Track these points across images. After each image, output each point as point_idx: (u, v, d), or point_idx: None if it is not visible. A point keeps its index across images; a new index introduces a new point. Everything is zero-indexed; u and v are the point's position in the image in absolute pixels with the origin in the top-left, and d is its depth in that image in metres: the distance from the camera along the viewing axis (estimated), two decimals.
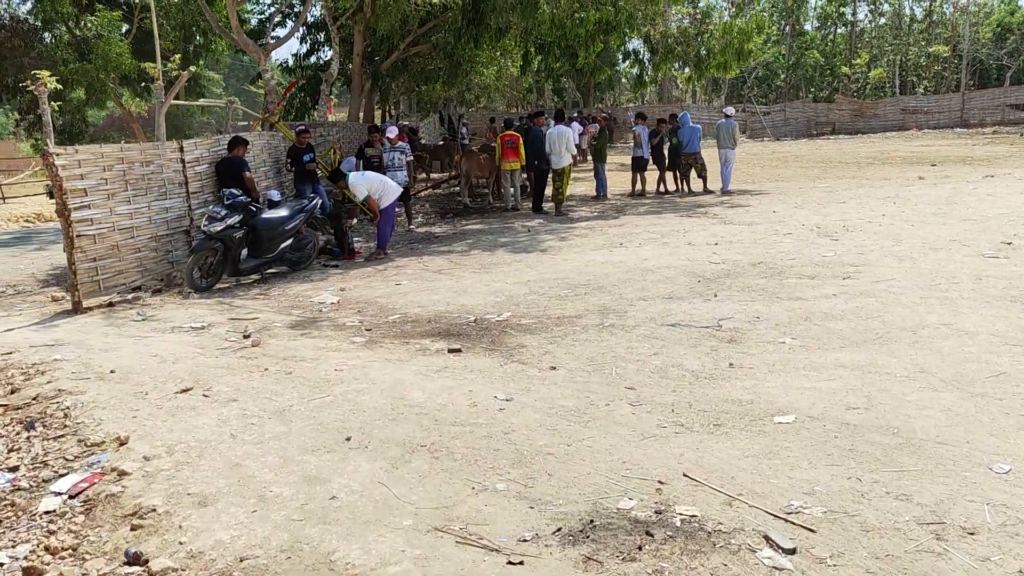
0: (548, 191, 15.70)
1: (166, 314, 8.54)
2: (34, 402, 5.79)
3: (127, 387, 5.94)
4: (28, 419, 5.43)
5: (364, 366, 6.28)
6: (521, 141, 16.25)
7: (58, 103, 21.82)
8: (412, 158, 13.83)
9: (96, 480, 4.51)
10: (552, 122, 15.49)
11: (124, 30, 25.42)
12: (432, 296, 8.72)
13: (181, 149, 10.37)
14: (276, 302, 9.02)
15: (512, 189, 16.47)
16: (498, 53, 22.56)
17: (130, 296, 9.62)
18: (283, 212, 10.58)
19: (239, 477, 4.39)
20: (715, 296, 8.10)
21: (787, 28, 54.34)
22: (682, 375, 5.89)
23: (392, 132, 13.62)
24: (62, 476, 4.62)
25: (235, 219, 9.88)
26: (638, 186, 17.76)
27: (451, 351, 6.61)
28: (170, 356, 6.72)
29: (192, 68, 10.41)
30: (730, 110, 18.98)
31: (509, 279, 9.41)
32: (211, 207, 10.01)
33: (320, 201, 11.06)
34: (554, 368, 6.11)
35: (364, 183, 11.24)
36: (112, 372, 6.28)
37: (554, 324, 7.34)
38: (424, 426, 5.03)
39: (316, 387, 5.80)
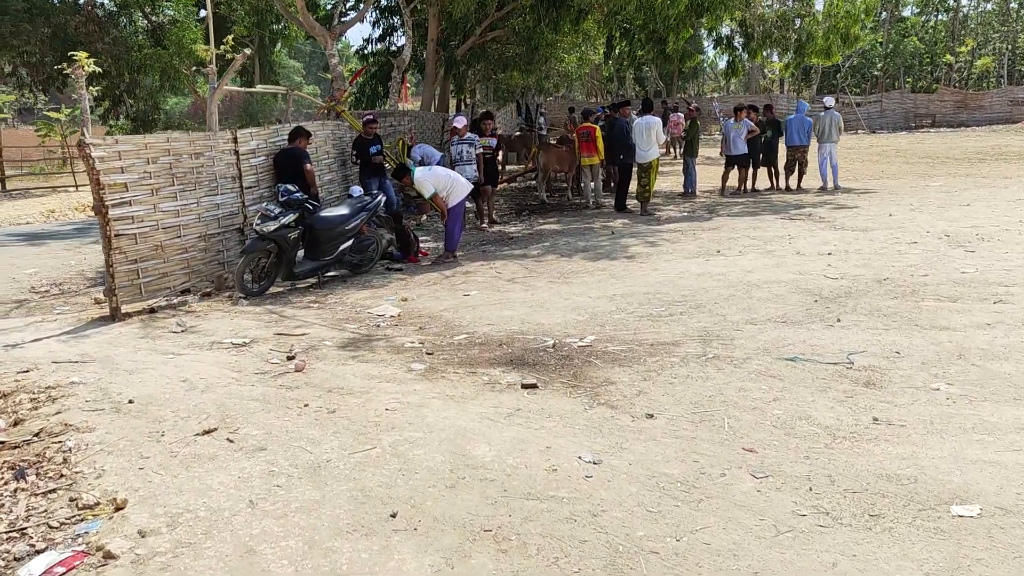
0: (633, 187, 14.42)
1: (209, 324, 7.68)
2: (36, 439, 4.94)
3: (143, 423, 5.03)
4: (20, 465, 4.54)
5: (421, 405, 5.22)
6: (599, 133, 15.02)
7: (131, 90, 21.60)
8: (481, 150, 12.62)
9: (76, 563, 3.57)
10: (635, 113, 14.28)
11: (200, 16, 25.12)
12: (504, 311, 7.63)
13: (235, 140, 9.52)
14: (330, 312, 8.07)
15: (592, 185, 15.25)
16: (579, 39, 21.30)
17: (176, 300, 8.82)
18: (343, 210, 9.64)
19: (249, 572, 3.37)
20: (838, 321, 6.79)
21: (884, 14, 51.25)
22: (814, 433, 4.67)
23: (460, 122, 12.63)
24: (39, 552, 3.69)
25: (290, 218, 8.98)
26: (731, 183, 16.32)
27: (525, 387, 5.50)
28: (200, 382, 5.80)
29: (247, 51, 9.53)
30: (830, 100, 17.35)
31: (592, 292, 8.25)
32: (264, 204, 9.13)
33: (384, 198, 10.08)
34: (651, 416, 4.96)
35: (431, 179, 10.23)
36: (130, 402, 5.39)
37: (647, 353, 6.16)
38: (490, 499, 3.94)
39: (361, 434, 4.77)
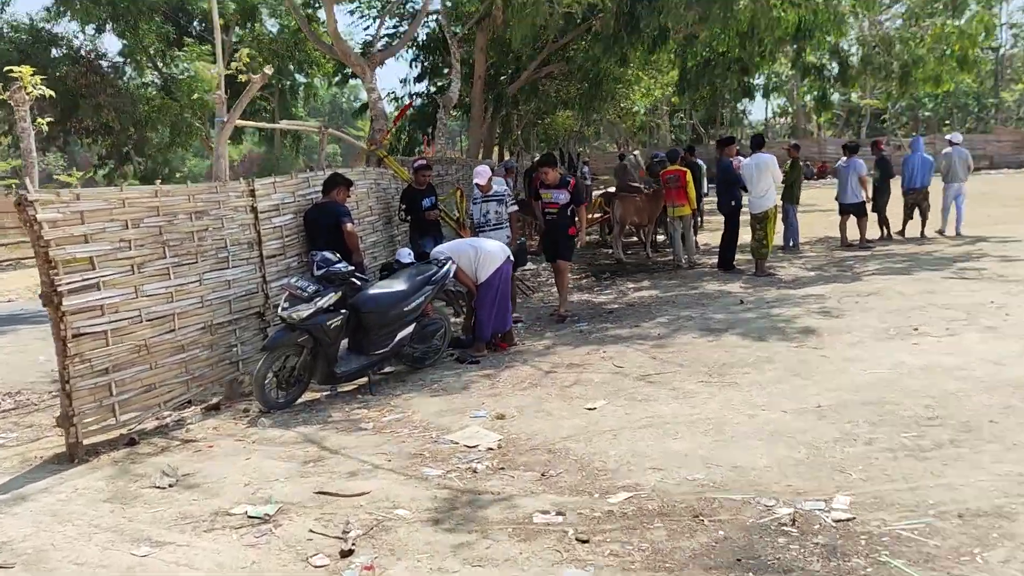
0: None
1: (213, 468, 5.01)
2: None
3: None
4: None
5: None
6: (690, 178, 12.47)
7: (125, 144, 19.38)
8: (515, 207, 9.59)
9: None
10: (729, 153, 11.74)
11: (215, 70, 23.10)
12: (667, 441, 4.91)
13: (252, 193, 7.00)
14: (393, 440, 5.39)
15: (684, 241, 12.60)
16: (646, 74, 18.94)
17: (169, 418, 6.20)
18: (400, 285, 7.03)
19: None
20: None
21: None
22: None
23: (481, 176, 9.12)
24: None
25: (329, 299, 6.39)
26: (850, 234, 13.60)
27: None
28: None
29: (267, 70, 7.06)
30: (957, 136, 14.86)
31: (781, 401, 5.52)
32: (293, 279, 6.54)
33: (454, 266, 7.45)
34: None
35: (446, 251, 7.67)
36: None
37: (968, 537, 3.44)
38: None
39: None
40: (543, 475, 4.56)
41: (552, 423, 5.46)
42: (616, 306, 9.64)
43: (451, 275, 7.41)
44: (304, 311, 6.24)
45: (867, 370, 6.01)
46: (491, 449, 5.07)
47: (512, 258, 7.94)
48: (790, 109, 45.07)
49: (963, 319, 7.42)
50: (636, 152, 27.96)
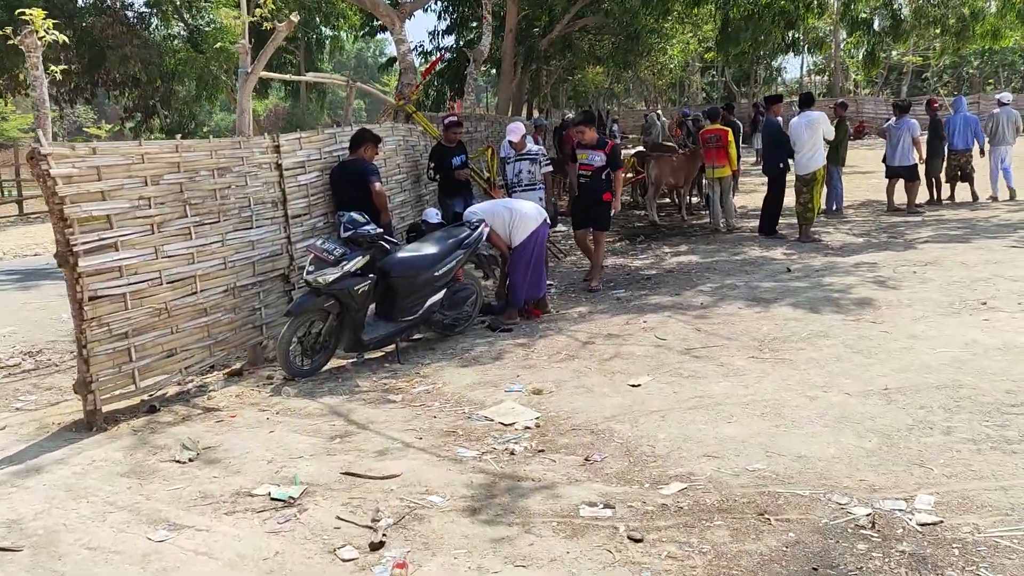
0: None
1: (235, 440, 4.73)
2: None
3: None
4: None
5: None
6: (731, 138, 11.92)
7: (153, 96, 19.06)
8: (550, 167, 9.13)
9: None
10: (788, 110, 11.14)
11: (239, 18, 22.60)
12: (720, 425, 4.54)
13: (277, 149, 6.63)
14: (425, 416, 5.07)
15: (723, 203, 12.09)
16: (686, 28, 18.17)
17: (192, 384, 5.93)
18: (431, 248, 6.66)
19: None
20: None
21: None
22: None
23: (515, 132, 8.64)
24: None
25: (357, 262, 6.05)
26: (897, 199, 13.01)
27: None
28: None
29: (293, 18, 6.63)
30: (1008, 96, 14.09)
31: (843, 382, 5.12)
32: (319, 242, 6.20)
33: (488, 228, 7.06)
34: None
35: (479, 212, 7.25)
36: None
37: None
38: None
39: None
40: (587, 460, 4.22)
41: (593, 400, 5.11)
42: (654, 272, 9.22)
43: (484, 238, 7.02)
44: (330, 275, 5.91)
45: (936, 349, 5.57)
46: (528, 428, 4.74)
47: (548, 221, 7.53)
48: (828, 67, 43.64)
49: None
50: (658, 111, 27.04)
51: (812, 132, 10.24)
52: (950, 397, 4.72)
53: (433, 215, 8.36)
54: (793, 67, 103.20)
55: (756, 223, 11.75)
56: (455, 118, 9.44)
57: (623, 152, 18.70)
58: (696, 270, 9.07)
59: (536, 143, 11.23)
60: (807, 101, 10.73)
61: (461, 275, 6.97)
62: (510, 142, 8.77)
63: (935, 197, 13.63)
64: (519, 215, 7.23)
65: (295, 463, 4.34)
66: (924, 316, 6.43)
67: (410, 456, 4.39)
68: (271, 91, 43.23)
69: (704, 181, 13.35)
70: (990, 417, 4.41)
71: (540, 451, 4.40)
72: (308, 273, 5.96)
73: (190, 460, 4.46)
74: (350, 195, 7.05)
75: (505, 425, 4.81)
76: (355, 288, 6.05)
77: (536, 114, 22.73)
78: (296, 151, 6.89)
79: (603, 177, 8.29)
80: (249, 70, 6.40)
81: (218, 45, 16.73)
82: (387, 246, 6.31)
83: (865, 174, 18.77)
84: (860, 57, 19.30)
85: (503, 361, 6.16)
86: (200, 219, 5.81)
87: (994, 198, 13.47)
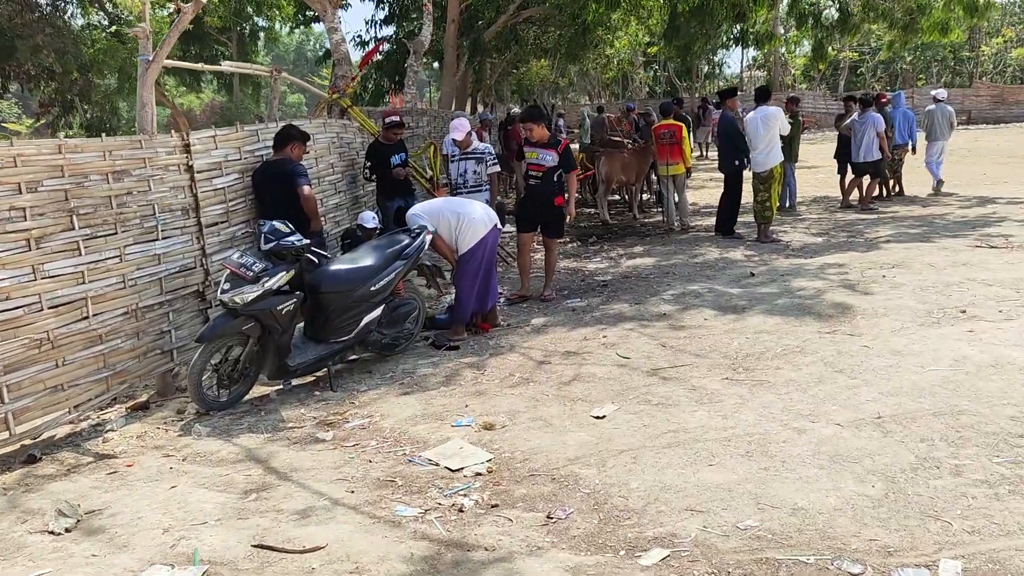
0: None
1: (128, 501, 3.96)
2: None
3: None
4: None
5: None
6: (686, 134, 11.45)
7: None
8: (497, 167, 8.40)
9: None
10: (720, 108, 10.65)
11: (171, 9, 21.34)
12: (700, 468, 3.93)
13: (186, 148, 5.82)
14: (358, 460, 4.36)
15: (680, 201, 11.59)
16: (632, 19, 17.63)
17: (85, 422, 5.12)
18: (367, 259, 5.93)
19: None
20: None
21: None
22: None
23: (459, 129, 7.90)
24: None
25: (280, 278, 5.30)
26: (853, 195, 12.77)
27: None
28: None
29: None
30: (942, 92, 14.36)
31: (827, 405, 4.58)
32: (236, 255, 5.42)
33: (430, 236, 6.35)
34: None
35: (425, 213, 6.57)
36: None
37: None
38: None
39: None
40: (549, 518, 3.57)
41: (553, 437, 4.47)
42: (610, 277, 8.62)
43: (427, 246, 6.32)
44: (249, 294, 5.15)
45: (925, 367, 5.07)
46: (480, 474, 4.08)
47: (500, 225, 6.87)
48: (768, 61, 43.82)
49: (1015, 298, 6.51)
50: (585, 108, 26.31)
51: (768, 128, 9.77)
52: (951, 427, 4.20)
53: (370, 219, 7.64)
54: (734, 61, 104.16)
55: (710, 221, 11.30)
56: (396, 118, 8.71)
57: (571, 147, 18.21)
58: (655, 275, 8.51)
59: (481, 139, 10.56)
60: (763, 95, 10.26)
61: (401, 288, 6.26)
62: (453, 140, 8.08)
63: (885, 193, 13.49)
64: (467, 219, 6.54)
65: (197, 532, 3.59)
66: (904, 327, 5.95)
67: (339, 518, 3.68)
68: (206, 84, 41.61)
69: (655, 178, 12.88)
70: (1000, 452, 3.89)
71: (493, 506, 3.73)
72: (223, 292, 5.19)
73: (67, 530, 3.67)
74: (275, 200, 6.29)
75: (452, 471, 4.14)
76: (278, 308, 5.30)
77: (481, 108, 22.02)
78: (210, 151, 6.08)
79: (555, 179, 7.58)
80: (150, 57, 5.59)
81: (113, 28, 15.64)
82: (315, 259, 5.57)
83: (811, 168, 18.58)
84: (808, 51, 19.10)
85: (449, 387, 5.48)
86: (92, 231, 4.98)
87: (940, 182, 13.75)
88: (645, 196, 14.55)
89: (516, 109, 18.01)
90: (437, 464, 4.23)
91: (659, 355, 5.77)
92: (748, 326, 6.29)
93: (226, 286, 5.19)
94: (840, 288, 7.27)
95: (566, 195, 7.60)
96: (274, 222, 5.46)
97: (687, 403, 4.80)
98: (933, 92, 14.62)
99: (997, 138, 27.15)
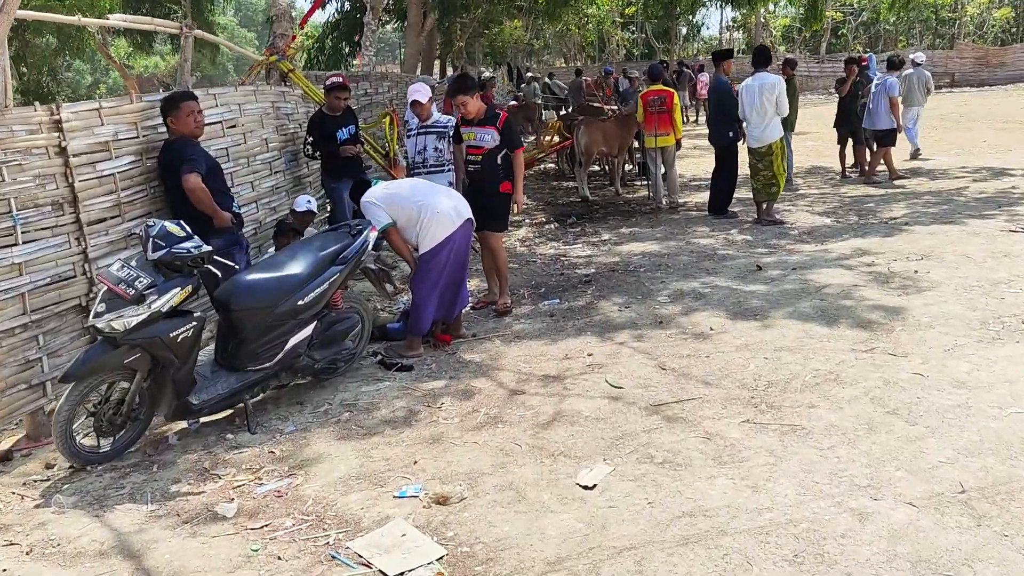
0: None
1: None
2: None
3: None
4: None
5: None
6: (677, 101, 10.25)
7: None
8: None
9: None
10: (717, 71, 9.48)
11: None
12: None
13: (57, 125, 4.55)
14: (265, 553, 3.22)
15: (669, 176, 10.45)
16: None
17: None
18: (293, 266, 4.71)
19: None
20: None
21: None
22: None
23: (420, 93, 6.65)
24: None
25: (173, 295, 4.08)
26: (849, 163, 11.85)
27: None
28: None
29: None
30: (920, 56, 13.70)
31: (887, 469, 3.47)
32: (115, 267, 4.19)
33: (375, 234, 5.14)
34: None
35: (385, 201, 5.35)
36: None
37: None
38: None
39: None
40: None
41: (527, 521, 3.33)
42: (593, 270, 7.46)
43: (370, 246, 5.11)
44: (131, 318, 3.94)
45: (1004, 408, 3.96)
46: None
47: (473, 220, 5.66)
48: (747, 22, 42.52)
49: None
50: (544, 79, 23.77)
51: (765, 97, 8.57)
52: None
53: (303, 203, 6.45)
54: (713, 23, 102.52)
55: (699, 197, 10.18)
56: (338, 79, 7.43)
57: (545, 115, 16.82)
58: (646, 267, 7.36)
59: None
60: (762, 58, 8.96)
61: (339, 299, 5.07)
62: (413, 104, 6.76)
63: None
64: (430, 213, 5.32)
65: None
66: (958, 344, 4.86)
67: None
68: (159, 47, 39.61)
69: (636, 145, 11.71)
70: None
71: None
72: (95, 315, 3.97)
73: None
74: (167, 192, 5.05)
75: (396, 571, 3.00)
76: (172, 335, 4.09)
77: (450, 72, 20.60)
78: (93, 128, 4.82)
79: (498, 161, 6.16)
80: (2, 9, 4.32)
81: None
82: (217, 273, 4.35)
83: (800, 135, 17.50)
84: (792, 13, 17.93)
85: (396, 429, 4.32)
86: None
87: (918, 149, 13.38)
88: (628, 167, 13.37)
89: (487, 73, 16.68)
90: (369, 565, 3.09)
91: (659, 383, 4.64)
92: (765, 340, 5.18)
93: (100, 308, 3.98)
94: (868, 287, 6.16)
95: (513, 179, 6.28)
96: (165, 223, 4.22)
97: (702, 463, 3.68)
98: (911, 56, 14.01)
99: (986, 101, 26.19)
